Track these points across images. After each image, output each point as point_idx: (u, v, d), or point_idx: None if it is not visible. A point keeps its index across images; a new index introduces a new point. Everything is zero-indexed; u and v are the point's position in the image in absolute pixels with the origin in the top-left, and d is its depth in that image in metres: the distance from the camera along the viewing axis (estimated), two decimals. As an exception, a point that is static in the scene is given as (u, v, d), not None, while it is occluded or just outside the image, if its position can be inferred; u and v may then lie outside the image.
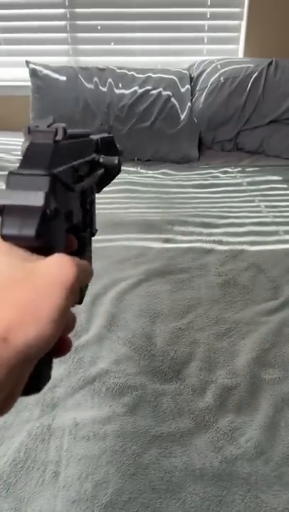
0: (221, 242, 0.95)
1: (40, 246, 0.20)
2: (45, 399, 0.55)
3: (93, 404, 0.56)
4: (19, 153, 1.50)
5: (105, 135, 0.33)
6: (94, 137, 0.31)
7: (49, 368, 0.24)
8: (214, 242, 0.95)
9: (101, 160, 0.29)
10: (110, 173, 0.33)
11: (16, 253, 0.20)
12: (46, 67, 1.48)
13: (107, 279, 0.81)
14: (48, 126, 0.22)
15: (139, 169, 1.39)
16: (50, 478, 0.47)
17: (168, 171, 1.39)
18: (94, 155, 0.29)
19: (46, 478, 0.47)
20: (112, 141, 0.34)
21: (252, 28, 1.60)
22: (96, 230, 0.31)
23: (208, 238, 0.96)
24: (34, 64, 1.48)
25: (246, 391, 0.58)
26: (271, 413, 0.54)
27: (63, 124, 0.22)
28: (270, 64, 1.45)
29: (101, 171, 0.30)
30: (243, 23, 1.62)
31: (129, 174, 1.35)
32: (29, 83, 1.51)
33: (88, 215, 0.29)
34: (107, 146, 0.32)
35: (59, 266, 0.19)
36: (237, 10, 1.61)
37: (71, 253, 0.24)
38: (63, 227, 0.23)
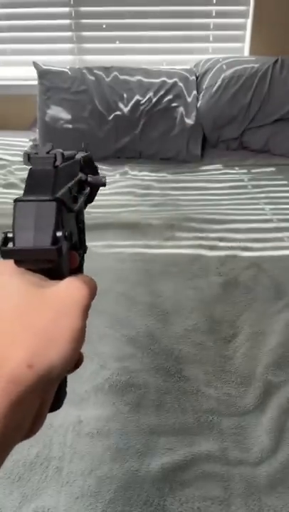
0: (222, 240, 0.94)
1: (51, 269, 0.21)
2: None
3: (97, 401, 0.56)
4: (20, 152, 1.51)
5: (84, 153, 0.36)
6: (78, 156, 0.33)
7: (65, 384, 0.25)
8: (215, 241, 0.95)
9: (89, 179, 0.31)
10: (95, 191, 0.35)
11: (31, 279, 0.21)
12: (54, 68, 1.48)
13: (110, 277, 0.81)
14: (48, 153, 0.23)
15: (141, 170, 1.39)
16: (54, 473, 0.47)
17: (171, 171, 1.38)
18: (81, 174, 0.31)
19: (49, 474, 0.47)
20: (91, 159, 0.37)
21: (257, 26, 1.59)
22: (87, 248, 0.33)
23: (210, 236, 0.96)
24: (42, 65, 1.49)
25: (251, 393, 0.58)
26: (277, 415, 0.54)
27: (60, 150, 0.23)
28: (275, 62, 1.44)
29: (88, 190, 0.31)
30: (249, 21, 1.61)
31: (132, 175, 1.35)
32: (34, 82, 1.51)
33: (82, 234, 0.31)
34: (87, 164, 0.35)
35: (73, 289, 0.21)
36: (243, 8, 1.60)
37: (72, 270, 0.25)
38: (68, 247, 0.24)
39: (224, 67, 1.47)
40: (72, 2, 1.61)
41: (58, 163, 0.23)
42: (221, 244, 0.93)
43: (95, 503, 0.45)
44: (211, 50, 1.67)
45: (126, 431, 0.52)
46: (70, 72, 1.48)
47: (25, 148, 1.52)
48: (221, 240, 0.95)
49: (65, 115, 1.45)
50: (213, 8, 1.60)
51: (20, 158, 1.46)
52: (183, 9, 1.60)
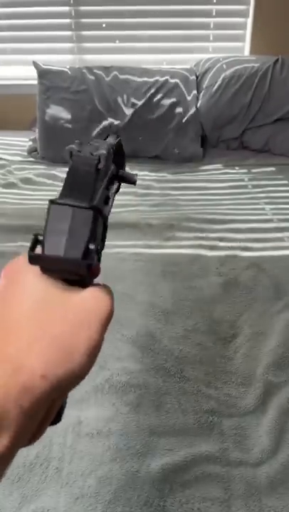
0: (222, 240, 0.94)
1: (75, 279, 0.20)
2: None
3: (96, 401, 0.56)
4: (19, 151, 1.50)
5: (116, 139, 0.32)
6: (110, 140, 0.30)
7: (66, 397, 0.24)
8: (215, 240, 0.94)
9: (121, 174, 0.28)
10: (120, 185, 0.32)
11: (56, 284, 0.20)
12: (53, 68, 1.48)
13: (110, 277, 0.81)
14: (91, 154, 0.22)
15: (141, 169, 1.38)
16: (53, 474, 0.47)
17: (171, 171, 1.38)
18: (113, 167, 0.28)
19: (49, 475, 0.47)
20: (121, 145, 0.33)
21: (258, 25, 1.58)
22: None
23: (210, 236, 0.96)
24: (41, 65, 1.49)
25: (252, 393, 0.57)
26: (277, 416, 0.54)
27: (104, 152, 0.22)
28: (276, 62, 1.44)
29: (116, 186, 0.29)
30: (249, 21, 1.60)
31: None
32: (34, 82, 1.51)
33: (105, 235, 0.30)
34: (118, 151, 0.31)
35: (96, 301, 0.20)
36: (243, 7, 1.59)
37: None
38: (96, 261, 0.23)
39: (224, 66, 1.46)
40: (72, 1, 1.60)
41: (100, 166, 0.21)
42: (221, 244, 0.93)
43: (95, 504, 0.45)
44: (211, 50, 1.67)
45: (126, 431, 0.52)
46: (69, 72, 1.48)
47: (26, 148, 1.51)
48: (221, 239, 0.95)
49: (64, 115, 1.45)
50: (214, 8, 1.60)
51: (20, 158, 1.46)
52: (183, 8, 1.60)
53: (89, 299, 0.20)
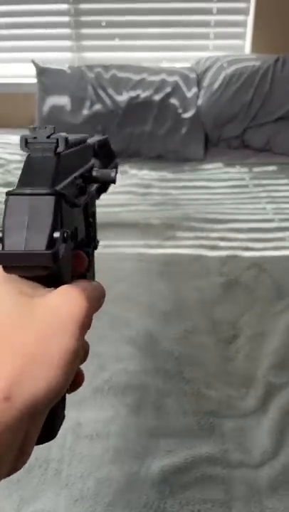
0: (223, 240, 0.93)
1: (49, 275, 0.18)
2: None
3: (96, 403, 0.55)
4: (18, 150, 1.49)
5: (100, 137, 0.31)
6: (91, 141, 0.29)
7: (63, 408, 0.22)
8: (216, 240, 0.94)
9: (94, 174, 0.26)
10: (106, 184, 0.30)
11: (23, 288, 0.17)
12: (52, 66, 1.48)
13: (110, 277, 0.80)
14: (48, 137, 0.20)
15: (141, 169, 1.38)
16: (53, 476, 0.47)
17: (171, 170, 1.38)
18: (93, 161, 0.27)
19: (48, 477, 0.47)
20: (107, 143, 0.32)
21: (258, 23, 1.57)
22: (98, 242, 0.29)
23: (211, 236, 0.95)
24: (40, 63, 1.48)
25: (253, 395, 0.57)
26: (278, 417, 0.54)
27: (64, 134, 0.20)
28: (277, 60, 1.43)
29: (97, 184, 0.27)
30: (250, 18, 1.59)
31: (131, 174, 1.34)
32: (33, 80, 1.50)
33: (91, 228, 0.27)
34: (103, 149, 0.30)
35: (67, 300, 0.17)
36: (243, 5, 1.58)
37: (79, 273, 0.22)
38: (70, 248, 0.21)
39: (225, 65, 1.46)
40: (71, -1, 1.60)
41: (60, 149, 0.19)
42: (222, 244, 0.93)
43: (95, 506, 0.44)
44: (211, 47, 1.66)
45: (126, 433, 0.52)
46: (68, 70, 1.47)
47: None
48: (221, 239, 0.94)
49: (64, 113, 1.45)
50: (214, 5, 1.59)
51: (19, 158, 1.46)
52: (183, 6, 1.59)
53: (59, 299, 0.17)
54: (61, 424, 0.22)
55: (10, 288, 0.17)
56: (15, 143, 1.56)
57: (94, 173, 0.26)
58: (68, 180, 0.21)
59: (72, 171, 0.22)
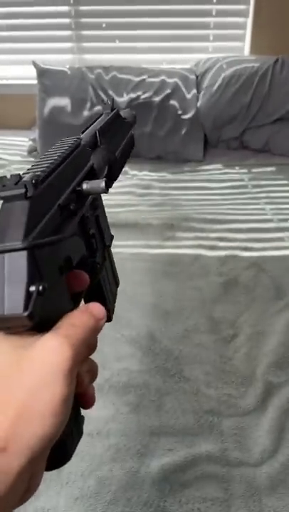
0: (222, 240, 0.94)
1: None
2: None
3: (97, 402, 0.55)
4: (19, 151, 1.50)
5: (104, 118, 0.28)
6: (86, 137, 0.27)
7: (76, 429, 0.22)
8: (215, 240, 0.94)
9: (84, 187, 0.25)
10: (115, 166, 0.29)
11: (11, 338, 0.18)
12: (53, 67, 1.48)
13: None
14: (16, 184, 0.19)
15: (141, 169, 1.38)
16: (53, 474, 0.47)
17: (171, 170, 1.38)
18: (90, 162, 0.26)
19: (49, 475, 0.47)
20: (118, 116, 0.29)
21: (258, 25, 1.58)
22: (112, 238, 0.28)
23: (211, 236, 0.96)
24: (41, 64, 1.49)
25: (252, 393, 0.57)
26: (277, 416, 0.54)
27: (34, 175, 0.20)
28: (276, 62, 1.44)
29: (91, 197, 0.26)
30: (249, 20, 1.60)
31: (131, 174, 1.35)
32: (34, 81, 1.51)
33: (96, 236, 0.27)
34: (113, 126, 0.27)
35: (51, 352, 0.17)
36: (243, 7, 1.59)
37: (80, 292, 0.22)
38: (62, 285, 0.20)
39: (224, 66, 1.46)
40: (72, 1, 1.60)
41: (30, 194, 0.19)
42: (221, 244, 0.93)
43: (95, 504, 0.45)
44: (211, 49, 1.67)
45: (126, 431, 0.52)
46: (69, 72, 1.48)
47: (26, 148, 1.51)
48: (221, 239, 0.95)
49: (64, 114, 1.45)
50: (214, 7, 1.60)
51: (20, 158, 1.46)
52: (183, 8, 1.60)
53: (41, 353, 0.17)
54: (77, 443, 0.22)
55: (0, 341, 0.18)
56: (16, 144, 1.56)
57: (84, 186, 0.25)
58: (50, 215, 0.20)
59: (57, 197, 0.22)
